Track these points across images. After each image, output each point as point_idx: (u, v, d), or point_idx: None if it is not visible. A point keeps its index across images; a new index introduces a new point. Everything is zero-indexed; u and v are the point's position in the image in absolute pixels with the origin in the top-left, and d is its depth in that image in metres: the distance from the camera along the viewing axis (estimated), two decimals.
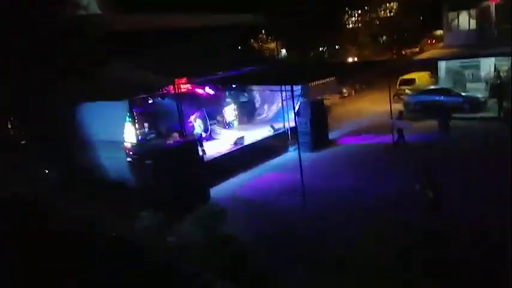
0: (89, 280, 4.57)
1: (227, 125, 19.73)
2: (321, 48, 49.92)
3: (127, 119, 13.46)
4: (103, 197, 12.93)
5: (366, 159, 15.22)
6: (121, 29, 15.16)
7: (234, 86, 18.62)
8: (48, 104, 14.55)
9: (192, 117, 17.06)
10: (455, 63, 23.30)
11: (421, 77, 25.29)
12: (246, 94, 20.42)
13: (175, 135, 15.02)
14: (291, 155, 17.10)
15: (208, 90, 17.62)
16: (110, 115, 13.63)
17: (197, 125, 16.91)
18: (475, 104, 19.82)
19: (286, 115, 17.98)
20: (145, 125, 16.03)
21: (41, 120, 15.39)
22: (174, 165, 12.34)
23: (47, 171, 15.75)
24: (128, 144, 13.81)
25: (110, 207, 12.14)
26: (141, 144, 14.14)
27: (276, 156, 17.06)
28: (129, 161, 13.70)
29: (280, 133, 18.08)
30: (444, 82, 23.36)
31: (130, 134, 14.01)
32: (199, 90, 17.42)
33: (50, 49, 13.73)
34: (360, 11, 64.19)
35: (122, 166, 13.74)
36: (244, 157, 15.84)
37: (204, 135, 17.66)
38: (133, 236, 10.64)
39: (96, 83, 14.11)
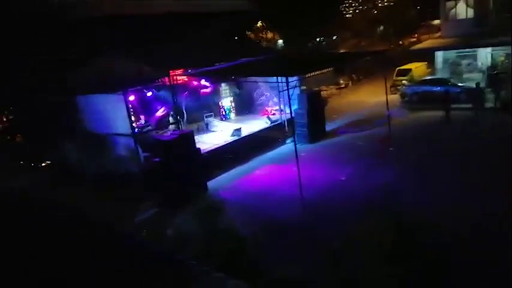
0: (91, 277, 4.59)
1: (224, 117, 19.76)
2: (318, 39, 49.74)
3: (124, 111, 13.46)
4: (101, 189, 13.00)
5: (362, 151, 15.36)
6: (110, 13, 14.84)
7: (230, 77, 18.61)
8: (41, 97, 14.47)
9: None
10: (452, 53, 23.33)
11: (417, 68, 25.32)
12: (242, 86, 20.42)
13: (172, 127, 14.94)
14: (288, 146, 17.13)
15: (204, 82, 17.63)
16: (107, 108, 13.62)
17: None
18: (471, 95, 19.92)
19: (283, 107, 18.02)
20: (142, 117, 16.01)
21: (35, 113, 15.35)
22: (172, 157, 12.37)
23: (43, 165, 15.76)
24: (125, 137, 13.83)
25: (110, 200, 12.22)
26: (138, 137, 14.19)
27: (273, 148, 17.16)
28: (126, 154, 13.75)
29: (277, 125, 18.17)
30: (441, 72, 23.41)
31: (126, 127, 14.05)
32: (195, 82, 17.40)
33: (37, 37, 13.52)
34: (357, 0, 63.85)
35: (120, 159, 13.78)
36: (241, 149, 15.87)
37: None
38: (133, 228, 10.73)
39: (89, 74, 14.03)
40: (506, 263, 7.59)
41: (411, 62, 26.05)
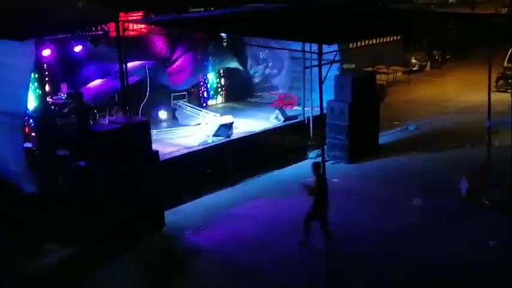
0: None
1: (205, 102, 19.77)
2: None
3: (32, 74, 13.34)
4: None
5: (438, 186, 15.27)
6: None
7: (221, 35, 18.53)
8: None
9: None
10: None
11: None
12: (241, 51, 20.33)
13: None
14: (311, 164, 17.05)
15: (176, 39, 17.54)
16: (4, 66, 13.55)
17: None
18: None
19: (307, 95, 18.05)
20: (63, 86, 15.96)
21: None
22: (107, 162, 12.34)
23: None
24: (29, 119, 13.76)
25: None
26: (53, 121, 14.11)
27: (285, 165, 17.29)
28: (28, 148, 13.64)
29: (294, 124, 18.31)
30: None
31: (34, 102, 14.04)
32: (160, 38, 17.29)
33: None
34: None
35: (15, 156, 13.68)
36: (230, 160, 15.91)
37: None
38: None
39: None
40: None
41: None
